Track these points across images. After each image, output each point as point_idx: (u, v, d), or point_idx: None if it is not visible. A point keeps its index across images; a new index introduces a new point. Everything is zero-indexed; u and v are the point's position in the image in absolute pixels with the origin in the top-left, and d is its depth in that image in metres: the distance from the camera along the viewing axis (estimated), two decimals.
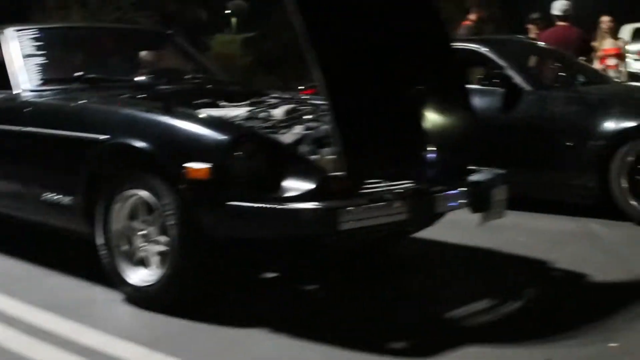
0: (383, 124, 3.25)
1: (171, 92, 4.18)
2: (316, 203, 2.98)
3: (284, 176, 3.13)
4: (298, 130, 3.45)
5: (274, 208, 3.01)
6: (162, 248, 3.38)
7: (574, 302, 3.56)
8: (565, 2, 7.44)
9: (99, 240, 3.60)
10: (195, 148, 3.21)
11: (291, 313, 3.47)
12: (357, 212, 3.01)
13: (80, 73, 4.14)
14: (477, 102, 5.59)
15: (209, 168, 3.11)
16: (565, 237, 4.82)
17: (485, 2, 9.81)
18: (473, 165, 3.78)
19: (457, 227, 4.18)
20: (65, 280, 3.94)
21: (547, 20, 7.80)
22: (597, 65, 8.01)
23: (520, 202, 5.38)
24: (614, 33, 8.47)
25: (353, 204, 3.01)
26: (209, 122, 3.32)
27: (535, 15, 8.26)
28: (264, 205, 3.03)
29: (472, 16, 7.94)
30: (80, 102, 3.86)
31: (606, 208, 5.11)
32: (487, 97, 5.58)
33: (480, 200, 3.47)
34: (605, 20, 8.46)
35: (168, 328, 3.25)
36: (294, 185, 3.10)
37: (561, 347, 2.93)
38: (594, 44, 8.30)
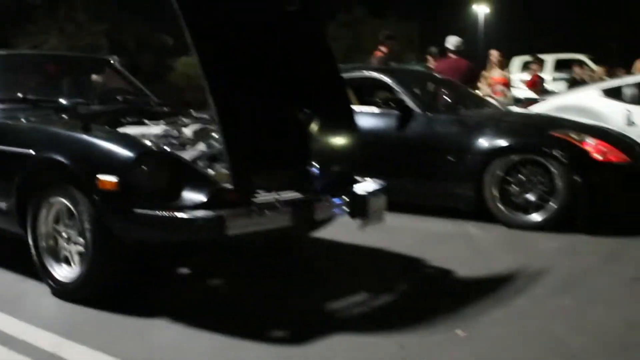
0: (271, 142, 3.22)
1: (101, 112, 4.10)
2: (206, 211, 2.94)
3: (183, 188, 3.07)
4: (201, 147, 3.41)
5: (171, 216, 2.95)
6: (81, 249, 3.31)
7: (435, 295, 3.56)
8: (458, 38, 7.54)
9: (29, 240, 3.51)
10: (106, 162, 3.14)
11: (194, 305, 3.41)
12: (243, 219, 2.97)
13: (20, 95, 4.02)
14: (377, 122, 5.66)
15: (117, 180, 3.05)
16: (444, 238, 4.84)
17: (404, 34, 9.87)
18: (358, 177, 3.80)
19: (351, 229, 4.15)
20: (4, 275, 3.82)
21: (444, 53, 7.88)
22: (486, 91, 8.12)
23: (410, 207, 5.47)
24: (501, 64, 8.59)
25: (239, 213, 2.98)
26: (119, 140, 3.24)
27: (433, 49, 8.36)
28: (163, 213, 2.98)
29: (383, 48, 7.96)
30: (14, 120, 3.75)
31: (481, 213, 5.17)
32: (385, 118, 5.60)
33: (357, 208, 3.46)
34: (494, 53, 8.57)
35: (84, 318, 3.17)
36: (190, 196, 3.05)
37: (415, 335, 2.93)
38: (485, 73, 8.43)
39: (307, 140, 3.34)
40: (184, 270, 4.06)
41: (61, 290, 3.40)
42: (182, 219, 2.94)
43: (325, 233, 4.23)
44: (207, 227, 2.94)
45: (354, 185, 3.62)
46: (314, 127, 3.36)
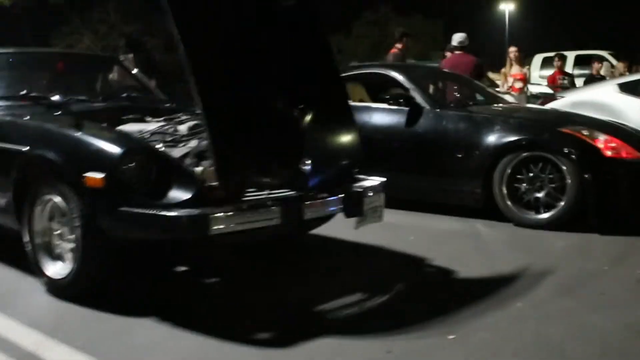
0: (262, 138, 3.05)
1: (103, 109, 4.00)
2: (189, 210, 2.79)
3: (168, 186, 2.93)
4: (193, 144, 3.26)
5: (153, 214, 2.82)
6: (72, 246, 3.19)
7: (431, 297, 3.34)
8: (462, 35, 7.28)
9: (25, 237, 3.41)
10: (93, 159, 3.01)
11: (183, 304, 3.27)
12: (228, 218, 2.81)
13: (24, 92, 3.93)
14: (386, 119, 5.46)
15: (103, 177, 2.92)
16: (450, 236, 4.61)
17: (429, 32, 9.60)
18: (359, 174, 3.62)
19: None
20: (1, 271, 3.74)
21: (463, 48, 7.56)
22: (504, 87, 7.85)
23: (419, 205, 5.26)
24: (519, 61, 8.29)
25: (224, 211, 2.82)
26: (106, 137, 3.11)
27: (451, 45, 8.08)
28: (146, 211, 2.84)
29: (399, 45, 7.74)
30: (13, 117, 3.65)
31: (491, 210, 4.94)
32: (394, 114, 5.40)
33: (352, 207, 3.28)
34: (512, 50, 8.28)
35: (71, 316, 3.05)
36: (175, 194, 2.90)
37: (403, 340, 2.74)
38: (503, 70, 8.14)
39: (301, 137, 3.18)
40: (177, 268, 3.90)
41: (54, 287, 3.29)
42: (164, 217, 2.80)
43: (327, 230, 4.05)
44: (190, 226, 2.79)
45: (351, 183, 3.46)
46: (311, 123, 3.20)
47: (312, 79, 3.39)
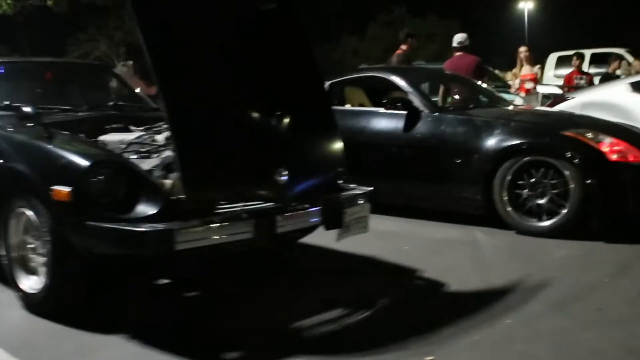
0: (234, 147, 2.91)
1: (86, 118, 3.90)
2: (153, 225, 2.66)
3: (135, 199, 2.81)
4: (166, 154, 3.14)
5: (118, 229, 2.70)
6: (45, 260, 3.09)
7: (417, 312, 3.16)
8: (462, 35, 7.07)
9: (1, 250, 3.33)
10: (61, 172, 2.91)
11: (159, 320, 3.13)
12: (194, 232, 2.68)
13: (6, 102, 3.84)
14: (384, 123, 5.30)
15: (70, 191, 2.81)
16: (447, 245, 4.42)
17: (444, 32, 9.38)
18: (343, 183, 3.48)
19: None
20: None
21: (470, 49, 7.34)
22: (515, 88, 7.62)
23: (422, 213, 5.09)
24: (530, 60, 8.06)
25: (191, 226, 2.69)
26: (76, 149, 2.99)
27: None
28: (112, 225, 2.73)
29: (404, 46, 7.57)
30: None
31: (492, 217, 4.74)
32: (392, 119, 5.22)
33: (332, 218, 3.13)
34: (523, 49, 8.05)
35: (39, 333, 2.96)
36: (141, 208, 2.79)
37: None
38: (514, 70, 7.91)
39: (278, 145, 3.04)
40: (156, 281, 3.75)
41: (29, 302, 3.20)
42: (128, 232, 2.68)
43: (318, 238, 3.83)
44: (154, 241, 2.66)
45: (334, 193, 3.31)
46: (289, 130, 3.06)
47: (291, 83, 3.25)
